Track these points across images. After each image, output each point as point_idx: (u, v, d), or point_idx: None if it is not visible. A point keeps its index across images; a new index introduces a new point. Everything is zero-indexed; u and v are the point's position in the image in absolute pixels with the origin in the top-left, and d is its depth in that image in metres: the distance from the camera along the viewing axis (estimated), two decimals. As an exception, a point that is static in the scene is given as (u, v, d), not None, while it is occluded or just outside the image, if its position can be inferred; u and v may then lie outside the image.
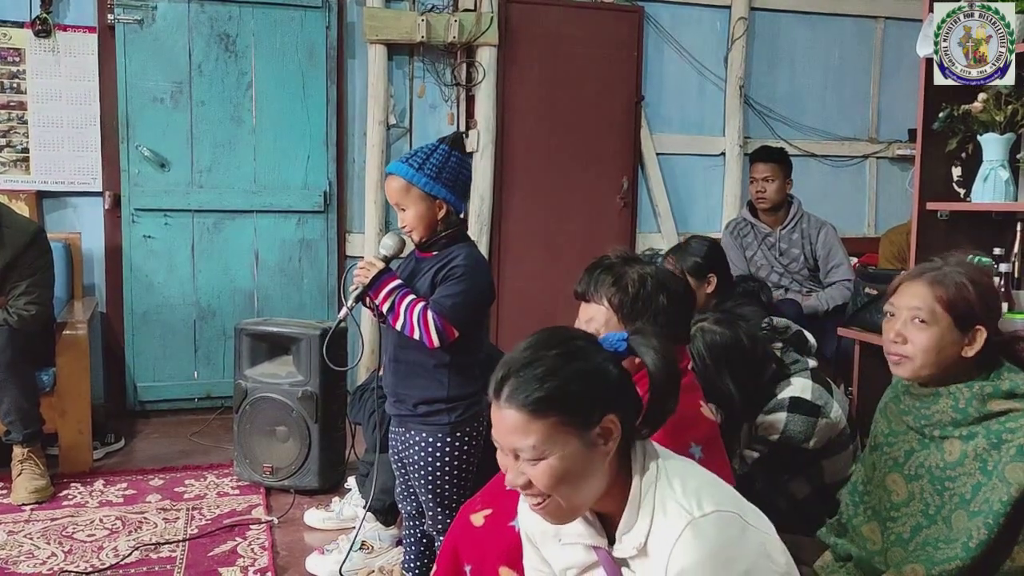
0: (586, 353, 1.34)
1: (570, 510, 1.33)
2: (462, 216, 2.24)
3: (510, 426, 1.30)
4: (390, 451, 2.36)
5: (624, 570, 1.35)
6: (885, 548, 1.84)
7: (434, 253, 2.20)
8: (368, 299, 2.19)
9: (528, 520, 1.52)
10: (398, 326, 2.14)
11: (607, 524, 1.38)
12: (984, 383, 1.75)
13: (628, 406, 1.35)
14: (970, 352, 1.75)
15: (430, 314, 2.10)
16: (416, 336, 2.11)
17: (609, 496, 1.35)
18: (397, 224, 2.25)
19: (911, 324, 1.78)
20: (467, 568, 1.86)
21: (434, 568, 1.99)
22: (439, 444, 2.19)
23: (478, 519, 1.91)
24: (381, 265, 2.17)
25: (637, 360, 1.40)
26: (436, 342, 2.10)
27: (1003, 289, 2.71)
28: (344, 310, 2.23)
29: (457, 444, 2.20)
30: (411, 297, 2.14)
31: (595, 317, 1.81)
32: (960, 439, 1.75)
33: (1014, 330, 2.26)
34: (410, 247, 2.30)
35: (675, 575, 1.24)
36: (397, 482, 2.38)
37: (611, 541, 1.37)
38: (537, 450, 1.28)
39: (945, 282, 1.76)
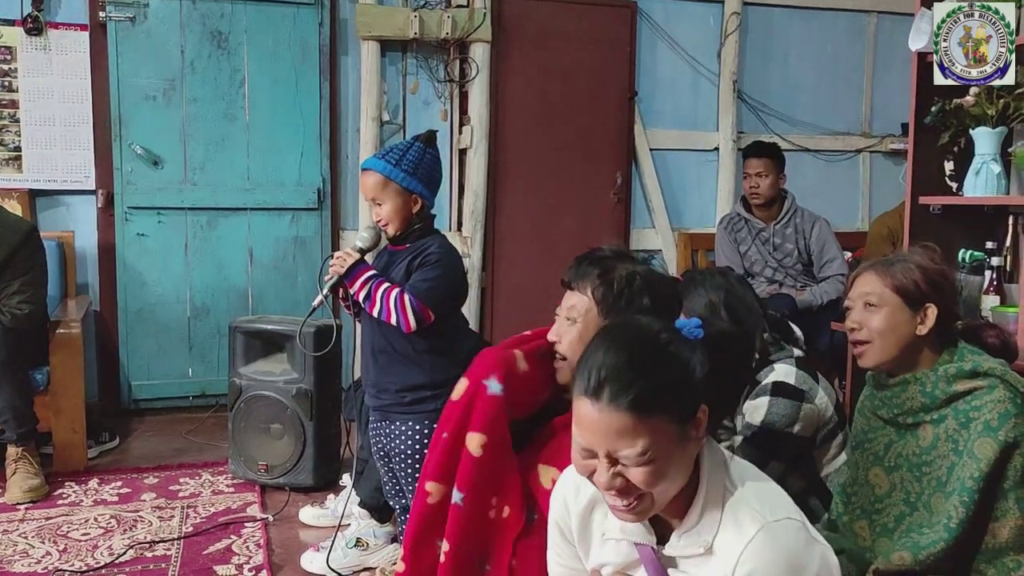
0: (679, 345, 1.29)
1: (658, 506, 1.29)
2: (432, 211, 2.32)
3: (615, 430, 1.23)
4: (372, 447, 2.37)
5: (672, 570, 1.34)
6: (873, 540, 1.87)
7: (407, 245, 2.27)
8: (343, 290, 2.24)
9: (563, 515, 1.49)
10: (375, 312, 2.19)
11: (656, 522, 1.36)
12: (948, 365, 1.81)
13: (712, 395, 1.30)
14: (923, 330, 1.83)
15: (407, 297, 2.16)
16: (393, 320, 2.16)
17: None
18: (371, 219, 2.32)
19: (864, 310, 1.87)
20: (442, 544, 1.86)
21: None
22: (426, 431, 2.23)
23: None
24: (356, 256, 2.24)
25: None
26: (413, 324, 2.15)
27: (995, 283, 2.73)
28: (319, 298, 2.29)
29: None
30: (387, 284, 2.19)
31: (576, 306, 1.83)
32: (931, 423, 1.81)
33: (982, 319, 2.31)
34: (384, 243, 2.35)
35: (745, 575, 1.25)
36: (384, 479, 2.39)
37: (661, 539, 1.35)
38: (646, 455, 1.22)
39: (892, 269, 1.86)
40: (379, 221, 2.25)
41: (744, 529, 1.27)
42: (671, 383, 1.25)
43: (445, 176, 2.35)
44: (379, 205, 2.23)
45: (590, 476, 1.29)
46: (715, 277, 2.27)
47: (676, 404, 1.25)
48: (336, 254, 2.27)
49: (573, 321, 1.83)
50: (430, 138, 2.30)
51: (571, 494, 1.48)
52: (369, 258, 2.31)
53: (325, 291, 2.26)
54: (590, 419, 1.25)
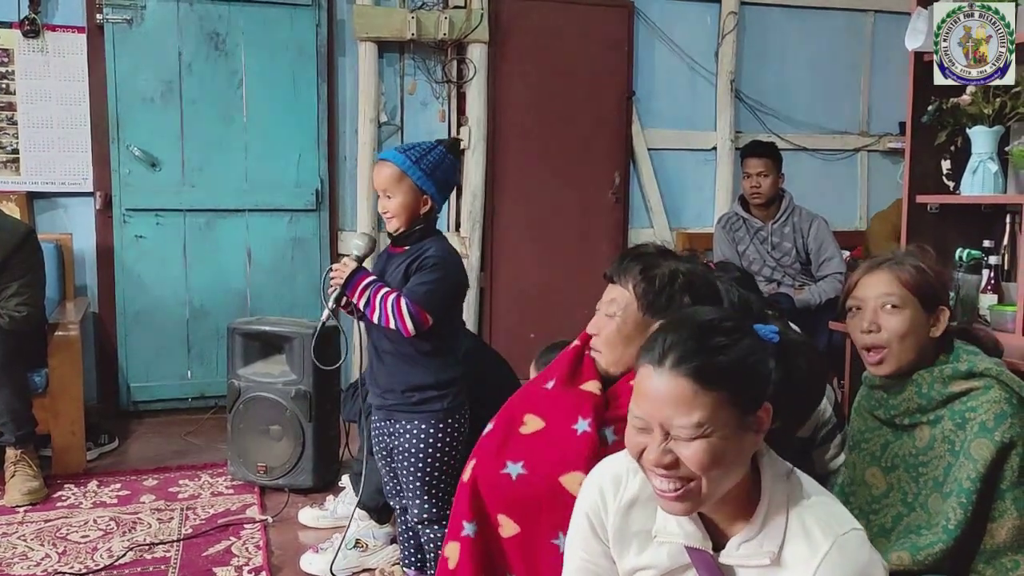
0: (748, 335, 1.28)
1: (706, 499, 1.25)
2: (437, 215, 2.32)
3: (673, 396, 1.21)
4: (374, 446, 2.38)
5: None
6: (871, 541, 1.86)
7: (406, 248, 2.27)
8: (346, 298, 2.25)
9: (597, 510, 1.43)
10: (375, 318, 2.19)
11: (710, 527, 1.33)
12: (944, 366, 1.80)
13: (776, 400, 1.27)
14: (936, 332, 1.82)
15: (404, 302, 2.16)
16: (392, 325, 2.16)
17: (730, 498, 1.29)
18: (367, 223, 2.32)
19: (882, 311, 1.83)
20: (469, 526, 1.85)
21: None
22: (432, 431, 2.23)
23: (466, 474, 1.91)
24: (354, 265, 2.24)
25: None
26: (411, 329, 2.15)
27: (993, 281, 2.73)
28: (326, 311, 2.29)
29: (448, 431, 2.25)
30: (385, 289, 2.20)
31: (617, 299, 1.81)
32: (928, 424, 1.80)
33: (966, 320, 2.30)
34: (380, 246, 2.34)
35: None
36: (384, 479, 2.39)
37: (714, 547, 1.32)
38: (700, 427, 1.20)
39: (905, 267, 1.83)
40: (385, 213, 2.25)
41: (816, 543, 1.24)
42: (736, 365, 1.23)
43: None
44: (389, 198, 2.22)
45: (640, 455, 1.26)
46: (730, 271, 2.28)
47: (739, 387, 1.23)
48: (335, 265, 2.27)
49: (612, 315, 1.82)
50: (454, 144, 2.31)
51: (610, 486, 1.43)
52: (369, 263, 2.31)
53: (331, 304, 2.25)
54: (649, 385, 1.24)
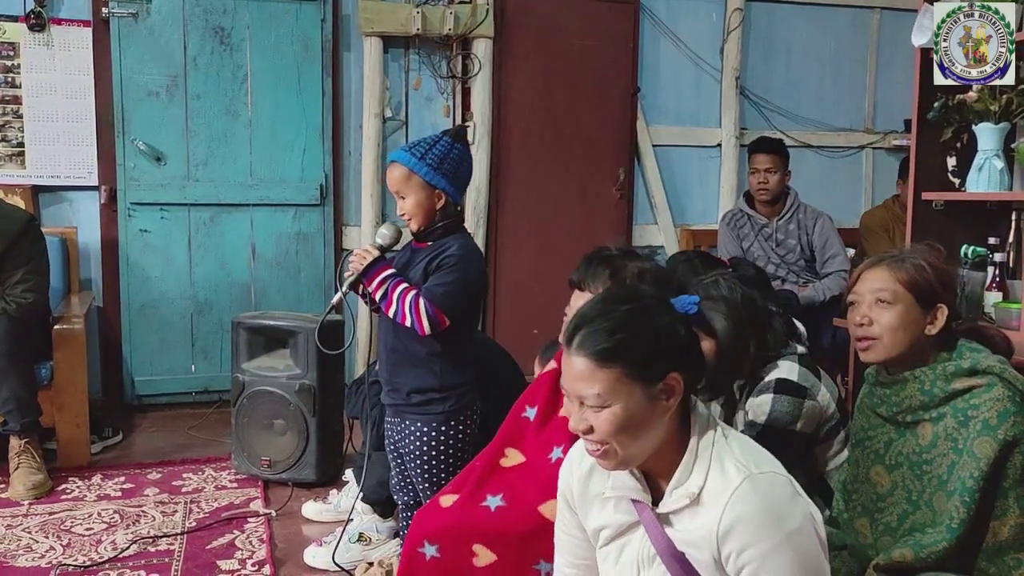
0: (656, 311, 1.39)
1: (625, 458, 1.38)
2: (460, 208, 2.26)
3: (577, 373, 1.35)
4: (386, 442, 2.37)
5: (667, 528, 1.40)
6: (875, 539, 1.86)
7: (429, 244, 2.24)
8: (362, 287, 2.23)
9: (568, 481, 1.56)
10: (390, 313, 2.17)
11: (653, 484, 1.44)
12: (946, 363, 1.80)
13: (693, 367, 1.39)
14: (933, 330, 1.82)
15: (422, 302, 2.13)
16: (408, 323, 2.14)
17: (664, 455, 1.40)
18: (395, 214, 2.30)
19: (875, 306, 1.84)
20: (430, 548, 1.88)
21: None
22: (434, 433, 2.23)
23: (447, 501, 1.95)
24: (376, 253, 2.22)
25: None
26: (427, 329, 2.14)
27: (998, 279, 2.73)
28: (338, 295, 2.27)
29: (452, 433, 2.23)
30: (404, 285, 2.17)
31: None
32: (931, 421, 1.80)
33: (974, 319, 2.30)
34: (406, 238, 2.32)
35: (729, 523, 1.31)
36: (392, 473, 2.39)
37: (655, 502, 1.42)
38: (601, 398, 1.33)
39: (904, 264, 1.84)
40: (403, 215, 2.23)
41: (729, 479, 1.33)
42: (631, 343, 1.34)
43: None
44: (403, 199, 2.20)
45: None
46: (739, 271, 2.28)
47: (638, 362, 1.34)
48: (356, 251, 2.25)
49: None
50: (459, 133, 2.26)
51: (576, 460, 1.55)
52: (391, 254, 2.29)
53: (344, 288, 2.23)
54: (565, 363, 1.39)
